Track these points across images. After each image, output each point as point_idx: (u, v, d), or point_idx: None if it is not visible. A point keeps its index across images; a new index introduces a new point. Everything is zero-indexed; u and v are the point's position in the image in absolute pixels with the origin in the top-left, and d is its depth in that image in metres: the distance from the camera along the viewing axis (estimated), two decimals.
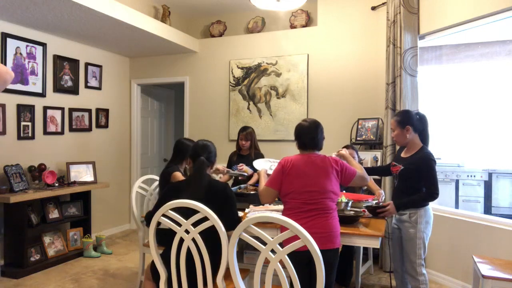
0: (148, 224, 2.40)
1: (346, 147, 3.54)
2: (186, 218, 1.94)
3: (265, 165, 3.30)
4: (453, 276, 3.45)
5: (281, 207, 2.45)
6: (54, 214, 4.09)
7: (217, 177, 4.12)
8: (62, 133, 4.46)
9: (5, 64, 3.80)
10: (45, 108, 4.25)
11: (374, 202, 2.94)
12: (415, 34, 3.69)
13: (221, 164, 4.35)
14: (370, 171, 2.85)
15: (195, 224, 1.92)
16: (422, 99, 3.76)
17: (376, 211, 2.66)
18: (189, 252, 1.95)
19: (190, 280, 1.99)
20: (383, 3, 4.09)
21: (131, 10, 3.97)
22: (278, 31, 4.84)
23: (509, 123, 4.25)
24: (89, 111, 4.84)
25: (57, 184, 4.05)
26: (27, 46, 4.03)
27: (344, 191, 3.25)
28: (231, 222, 2.00)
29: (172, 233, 1.98)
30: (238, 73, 4.98)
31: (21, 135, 3.98)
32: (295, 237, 1.62)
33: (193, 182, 2.21)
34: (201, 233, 1.91)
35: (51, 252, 4.04)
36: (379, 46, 4.18)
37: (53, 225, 4.11)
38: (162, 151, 6.31)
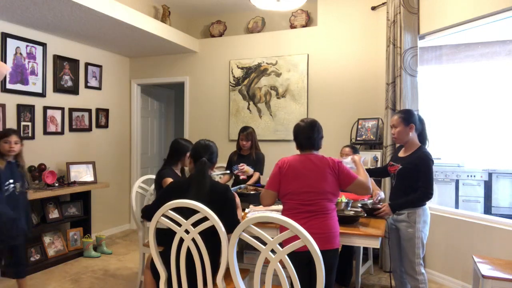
0: (145, 218, 2.41)
1: (347, 147, 3.54)
2: (186, 218, 1.94)
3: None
4: (453, 276, 3.46)
5: (280, 207, 2.45)
6: (54, 214, 4.09)
7: (217, 177, 4.12)
8: (62, 133, 4.46)
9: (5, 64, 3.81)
10: (45, 108, 4.25)
11: (369, 202, 2.94)
12: (415, 34, 3.69)
13: (221, 164, 4.37)
14: (368, 172, 2.85)
15: (195, 224, 1.91)
16: (422, 99, 3.76)
17: (373, 213, 2.67)
18: (189, 252, 1.95)
19: (190, 280, 1.99)
20: (383, 3, 4.09)
21: (131, 10, 3.97)
22: (278, 31, 4.84)
23: (509, 123, 4.25)
24: (89, 111, 4.84)
25: (57, 184, 4.05)
26: (27, 46, 4.03)
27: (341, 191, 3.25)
28: (231, 225, 1.99)
29: (172, 233, 1.98)
30: (238, 73, 4.98)
31: (21, 135, 3.97)
32: (295, 237, 1.62)
33: (196, 183, 2.19)
34: (201, 233, 1.91)
35: (51, 252, 4.04)
36: (379, 46, 4.18)
37: (53, 225, 4.11)
38: (162, 151, 6.31)
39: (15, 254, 2.96)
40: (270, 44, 4.82)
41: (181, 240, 1.96)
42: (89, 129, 4.85)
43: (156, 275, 2.14)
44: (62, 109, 4.45)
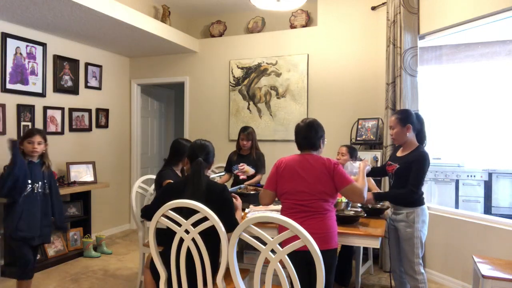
0: (144, 218, 2.42)
1: (344, 146, 3.51)
2: (186, 218, 1.94)
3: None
4: (453, 276, 3.46)
5: (280, 207, 2.45)
6: None
7: (217, 178, 4.12)
8: (62, 133, 4.46)
9: (5, 64, 3.81)
10: (45, 108, 4.25)
11: None
12: (415, 34, 3.69)
13: (220, 164, 4.37)
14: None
15: (195, 224, 1.92)
16: (422, 99, 3.76)
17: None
18: (189, 252, 1.95)
19: (190, 280, 1.99)
20: (383, 3, 4.09)
21: (131, 10, 3.97)
22: (278, 31, 4.84)
23: (509, 123, 4.25)
24: (89, 111, 4.84)
25: (57, 184, 4.04)
26: (27, 46, 4.03)
27: None
28: (228, 225, 1.99)
29: (172, 233, 1.98)
30: (238, 73, 4.98)
31: (21, 135, 3.98)
32: (295, 237, 1.62)
33: (192, 183, 2.18)
34: (200, 233, 1.91)
35: (51, 252, 4.04)
36: (379, 46, 4.18)
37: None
38: (162, 151, 6.31)
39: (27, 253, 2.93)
40: (270, 44, 4.82)
41: (181, 240, 1.96)
42: (89, 129, 4.85)
43: (156, 275, 2.14)
44: (62, 109, 4.45)
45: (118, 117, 5.35)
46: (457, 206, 4.59)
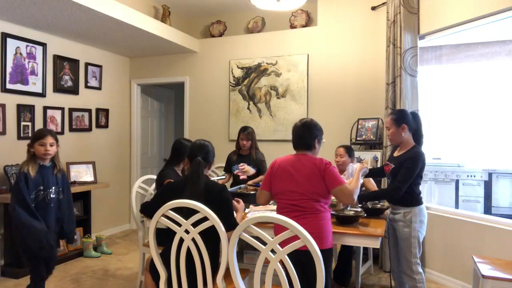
0: (143, 213, 2.43)
1: (341, 147, 3.50)
2: (186, 218, 1.94)
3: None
4: (453, 276, 3.46)
5: None
6: None
7: (217, 178, 4.12)
8: (62, 133, 4.45)
9: (5, 64, 3.81)
10: (45, 108, 4.25)
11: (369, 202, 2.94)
12: (415, 34, 3.69)
13: (220, 164, 4.37)
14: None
15: (195, 224, 1.92)
16: (422, 99, 3.76)
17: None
18: (189, 252, 1.95)
19: (190, 280, 1.99)
20: (383, 3, 4.09)
21: (131, 10, 3.97)
22: (278, 31, 4.84)
23: (509, 123, 4.26)
24: (89, 111, 4.84)
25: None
26: (27, 46, 4.03)
27: None
28: (227, 225, 1.98)
29: (172, 233, 1.98)
30: (238, 73, 4.98)
31: (21, 135, 3.98)
32: (294, 237, 1.62)
33: (191, 183, 2.19)
34: (200, 233, 1.91)
35: None
36: (379, 46, 4.18)
37: None
38: (162, 151, 6.31)
39: (47, 264, 2.70)
40: (270, 44, 4.82)
41: (181, 240, 1.96)
42: (89, 129, 4.85)
43: (155, 277, 2.14)
44: (62, 109, 4.45)
45: (118, 117, 5.35)
46: (457, 206, 4.59)
